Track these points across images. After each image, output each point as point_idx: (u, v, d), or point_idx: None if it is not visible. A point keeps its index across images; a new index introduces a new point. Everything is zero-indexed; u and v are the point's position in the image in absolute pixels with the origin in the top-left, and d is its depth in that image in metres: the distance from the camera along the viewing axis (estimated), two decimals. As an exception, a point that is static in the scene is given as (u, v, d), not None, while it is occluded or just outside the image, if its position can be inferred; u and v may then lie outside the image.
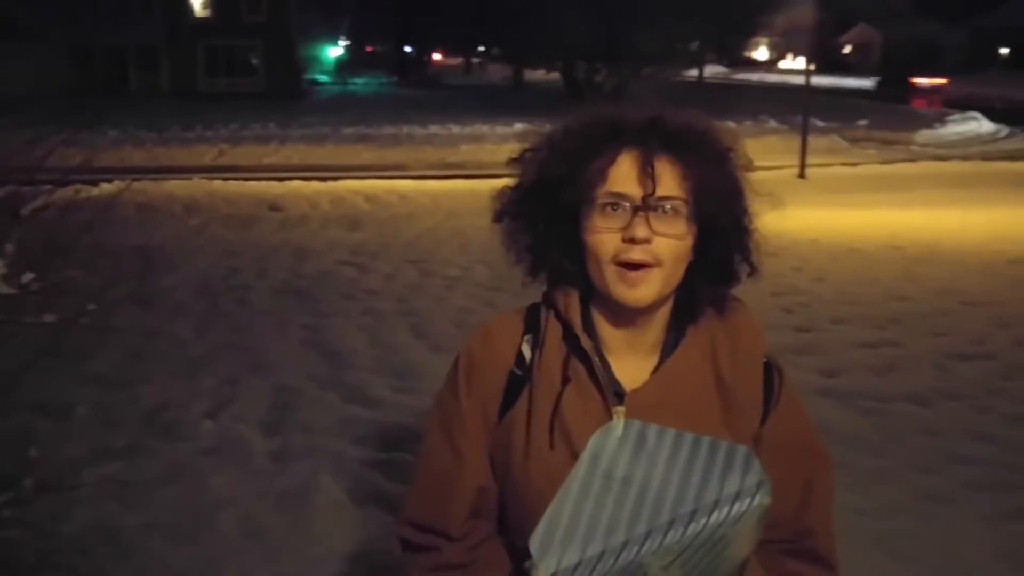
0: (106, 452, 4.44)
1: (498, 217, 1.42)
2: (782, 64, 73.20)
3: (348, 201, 13.66)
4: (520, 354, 1.39)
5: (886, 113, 30.27)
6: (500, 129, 23.82)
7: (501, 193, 1.42)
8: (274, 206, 13.09)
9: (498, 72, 54.02)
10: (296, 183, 15.46)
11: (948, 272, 8.69)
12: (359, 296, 7.73)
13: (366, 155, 20.66)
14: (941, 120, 27.77)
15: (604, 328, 1.38)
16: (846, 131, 24.98)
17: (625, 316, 1.35)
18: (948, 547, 3.69)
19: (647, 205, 1.27)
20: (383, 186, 15.19)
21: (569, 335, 1.36)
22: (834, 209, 12.92)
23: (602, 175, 1.30)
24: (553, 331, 1.38)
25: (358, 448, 4.56)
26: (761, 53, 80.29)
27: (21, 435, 4.45)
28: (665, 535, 1.20)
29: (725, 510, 1.21)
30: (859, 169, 18.68)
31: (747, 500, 1.22)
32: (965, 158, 20.41)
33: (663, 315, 1.38)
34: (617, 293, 1.30)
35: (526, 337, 1.41)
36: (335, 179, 15.87)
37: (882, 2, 65.79)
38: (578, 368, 1.35)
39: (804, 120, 17.90)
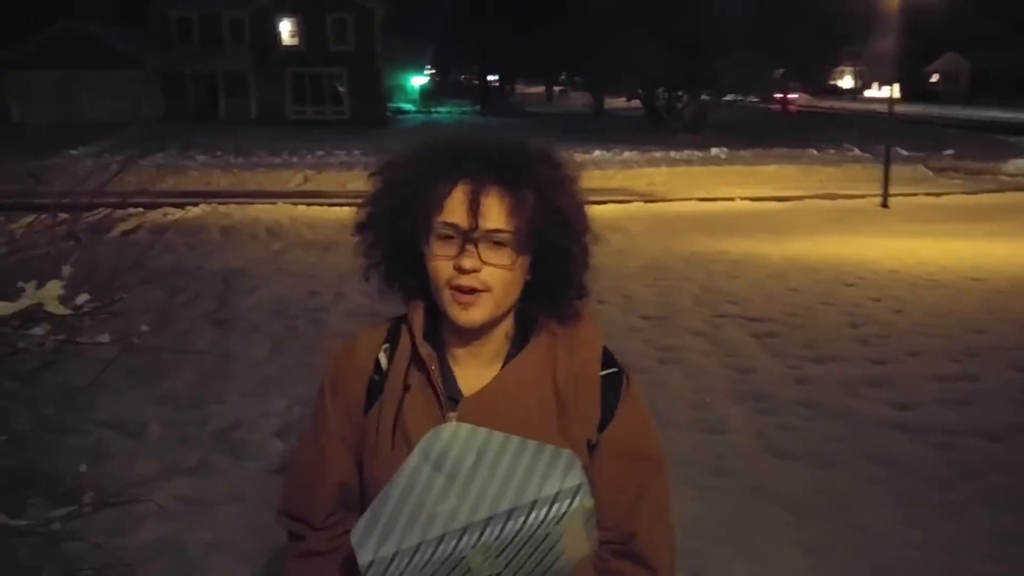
0: (175, 469, 4.58)
1: (358, 229, 1.52)
2: (867, 93, 71.85)
3: (426, 226, 13.81)
4: (378, 362, 1.51)
5: (974, 142, 29.43)
6: (579, 156, 23.79)
7: (361, 207, 1.52)
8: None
9: (579, 100, 54.21)
10: (378, 209, 15.72)
11: (1032, 305, 8.40)
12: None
13: (447, 182, 20.89)
14: (1033, 149, 26.85)
15: (450, 338, 1.48)
16: (931, 160, 24.34)
17: (465, 330, 1.44)
18: (1019, 591, 3.57)
19: (475, 237, 1.36)
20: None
21: (415, 345, 1.47)
22: (916, 239, 12.61)
23: (439, 205, 1.38)
24: (405, 341, 1.49)
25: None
26: (846, 81, 78.95)
27: (95, 450, 4.63)
28: (482, 532, 1.28)
29: (544, 510, 1.29)
30: (943, 199, 18.18)
31: (566, 501, 1.29)
32: (1057, 189, 19.72)
33: (504, 328, 1.48)
34: (452, 314, 1.40)
35: (385, 347, 1.52)
36: (416, 206, 16.09)
37: (972, 30, 63.99)
38: (418, 376, 1.46)
39: (887, 149, 17.53)
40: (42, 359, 2.29)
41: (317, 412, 1.56)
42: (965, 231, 13.42)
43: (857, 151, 25.71)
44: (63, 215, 2.41)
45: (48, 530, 2.11)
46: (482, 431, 1.37)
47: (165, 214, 14.22)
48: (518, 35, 48.30)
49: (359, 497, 1.53)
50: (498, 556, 1.29)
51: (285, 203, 16.18)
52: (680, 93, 35.75)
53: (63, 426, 4.64)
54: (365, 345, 1.53)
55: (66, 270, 1.85)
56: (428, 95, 62.35)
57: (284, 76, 41.77)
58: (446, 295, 1.39)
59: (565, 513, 1.29)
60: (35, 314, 1.84)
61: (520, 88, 75.95)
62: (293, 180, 20.83)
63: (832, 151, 26.23)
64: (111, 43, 38.26)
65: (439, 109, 54.23)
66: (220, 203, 15.81)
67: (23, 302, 1.76)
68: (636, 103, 40.83)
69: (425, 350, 1.45)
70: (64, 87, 37.47)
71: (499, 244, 1.37)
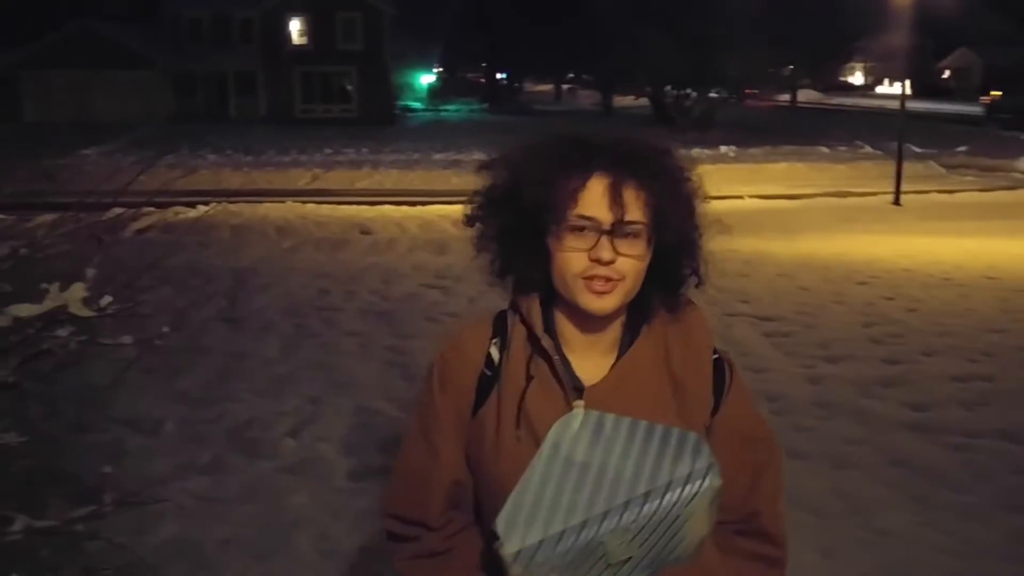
0: (191, 467, 4.59)
1: (469, 221, 1.54)
2: (879, 89, 71.56)
3: (436, 225, 13.86)
4: (489, 356, 1.52)
5: (987, 139, 29.32)
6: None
7: (473, 197, 1.54)
8: (364, 229, 13.37)
9: (587, 98, 54.18)
10: (387, 207, 15.77)
11: (1048, 304, 8.35)
12: (442, 319, 7.82)
13: (456, 180, 20.90)
14: (1047, 147, 26.72)
15: (566, 329, 1.50)
16: (944, 158, 24.27)
17: (587, 320, 1.47)
18: (1038, 592, 3.55)
19: (614, 230, 1.39)
20: (471, 211, 15.36)
21: (532, 337, 1.49)
22: (929, 237, 12.57)
23: (573, 198, 1.41)
24: (518, 334, 1.50)
25: (434, 470, 4.60)
26: (857, 78, 78.65)
27: (112, 449, 4.64)
28: (621, 515, 1.32)
29: (677, 491, 1.33)
30: (956, 197, 18.11)
31: (698, 482, 1.34)
32: (1073, 186, 19.65)
33: (619, 317, 1.51)
34: (584, 303, 1.42)
35: (494, 340, 1.53)
36: (424, 204, 16.13)
37: (984, 27, 63.61)
38: (541, 366, 1.47)
39: (899, 146, 17.48)
40: (63, 360, 2.30)
41: (424, 410, 1.55)
42: (979, 229, 13.37)
43: (868, 148, 25.67)
44: (82, 215, 2.42)
45: (69, 530, 2.12)
46: (610, 417, 1.41)
47: (177, 213, 14.18)
48: (527, 33, 48.24)
49: (471, 494, 1.54)
50: (632, 539, 1.32)
51: (294, 201, 16.23)
52: (688, 91, 35.72)
53: (82, 425, 4.66)
54: (473, 340, 1.54)
55: (89, 272, 1.85)
56: (436, 93, 62.31)
57: (293, 75, 41.83)
58: (578, 285, 1.42)
59: (696, 493, 1.33)
60: (58, 315, 1.85)
61: (528, 86, 75.87)
62: (302, 179, 20.88)
63: (843, 148, 26.18)
64: (124, 43, 38.39)
65: (447, 107, 54.21)
66: (231, 202, 15.85)
67: (47, 304, 1.76)
68: (644, 101, 40.80)
69: (547, 340, 1.47)
70: (77, 86, 37.60)
71: (633, 235, 1.41)
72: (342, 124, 38.12)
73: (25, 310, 1.77)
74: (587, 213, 1.40)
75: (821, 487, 4.46)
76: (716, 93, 35.34)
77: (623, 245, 1.40)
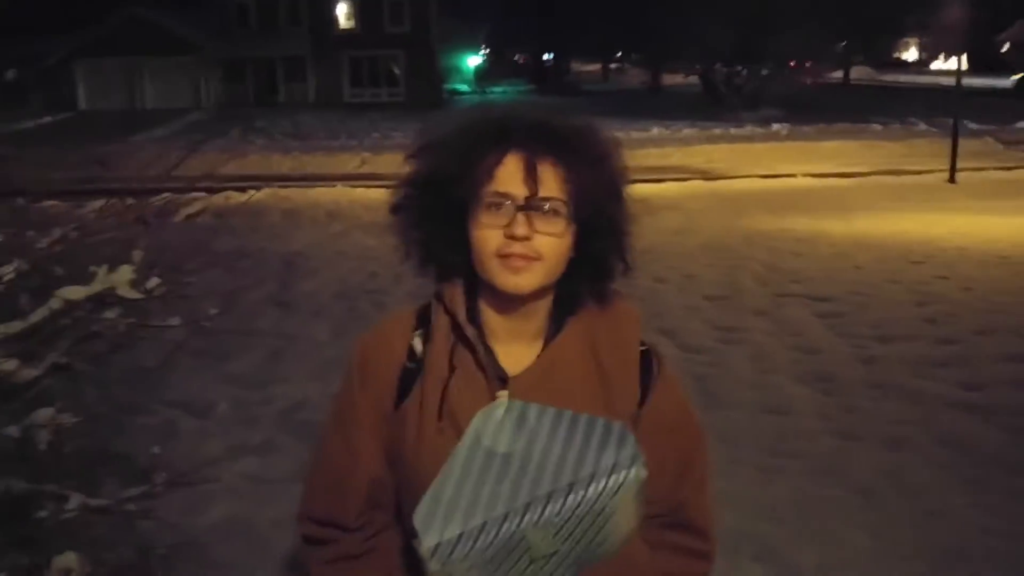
0: (243, 448, 4.66)
1: (394, 210, 1.49)
2: (933, 65, 69.90)
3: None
4: (411, 348, 1.46)
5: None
6: (636, 134, 23.61)
7: (397, 187, 1.49)
8: (412, 213, 13.42)
9: (636, 77, 53.69)
10: (434, 190, 15.78)
11: (1110, 283, 8.13)
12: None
13: (502, 161, 20.87)
14: (1109, 120, 25.89)
15: (490, 318, 1.45)
16: (1002, 133, 23.62)
17: (509, 305, 1.42)
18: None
19: (529, 205, 1.35)
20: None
21: (455, 326, 1.43)
22: (985, 215, 12.27)
23: (489, 175, 1.36)
24: (442, 323, 1.45)
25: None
26: (911, 54, 76.92)
27: (165, 430, 4.73)
28: (544, 507, 1.26)
29: (602, 482, 1.27)
30: (1015, 173, 17.63)
31: (623, 472, 1.28)
32: None
33: (545, 306, 1.45)
34: (500, 282, 1.37)
35: (417, 332, 1.47)
36: (472, 186, 16.15)
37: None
38: (464, 356, 1.42)
39: (954, 122, 17.05)
40: (114, 342, 2.34)
41: (342, 407, 1.50)
42: (1038, 206, 13.03)
43: (923, 125, 25.08)
44: (131, 200, 2.46)
45: (123, 509, 2.16)
46: (534, 407, 1.37)
47: (228, 198, 14.38)
48: (574, 12, 47.89)
49: (391, 492, 1.49)
50: (556, 533, 1.27)
51: (344, 186, 16.32)
52: (739, 68, 35.19)
53: (134, 407, 4.75)
54: (396, 333, 1.49)
55: (136, 255, 1.89)
56: (483, 75, 62.19)
57: (341, 59, 42.03)
58: (494, 264, 1.36)
59: (622, 484, 1.28)
60: (107, 298, 1.88)
61: (576, 66, 75.43)
62: (351, 163, 20.98)
63: (897, 125, 25.63)
64: (174, 29, 38.83)
65: (494, 89, 54.07)
66: (280, 186, 16.01)
67: (95, 286, 1.80)
68: (694, 79, 40.32)
69: (470, 329, 1.42)
70: (128, 74, 38.20)
71: (552, 212, 1.36)
72: (390, 108, 38.20)
73: (74, 292, 1.81)
74: (502, 189, 1.35)
75: (872, 468, 4.40)
76: (767, 70, 34.77)
77: (540, 222, 1.35)
